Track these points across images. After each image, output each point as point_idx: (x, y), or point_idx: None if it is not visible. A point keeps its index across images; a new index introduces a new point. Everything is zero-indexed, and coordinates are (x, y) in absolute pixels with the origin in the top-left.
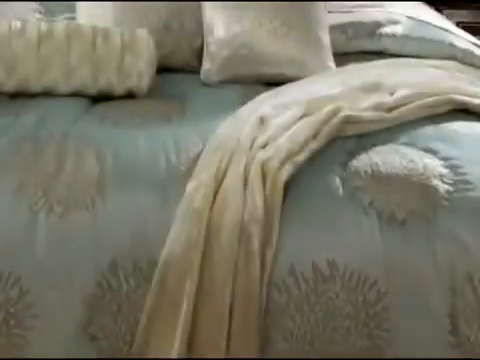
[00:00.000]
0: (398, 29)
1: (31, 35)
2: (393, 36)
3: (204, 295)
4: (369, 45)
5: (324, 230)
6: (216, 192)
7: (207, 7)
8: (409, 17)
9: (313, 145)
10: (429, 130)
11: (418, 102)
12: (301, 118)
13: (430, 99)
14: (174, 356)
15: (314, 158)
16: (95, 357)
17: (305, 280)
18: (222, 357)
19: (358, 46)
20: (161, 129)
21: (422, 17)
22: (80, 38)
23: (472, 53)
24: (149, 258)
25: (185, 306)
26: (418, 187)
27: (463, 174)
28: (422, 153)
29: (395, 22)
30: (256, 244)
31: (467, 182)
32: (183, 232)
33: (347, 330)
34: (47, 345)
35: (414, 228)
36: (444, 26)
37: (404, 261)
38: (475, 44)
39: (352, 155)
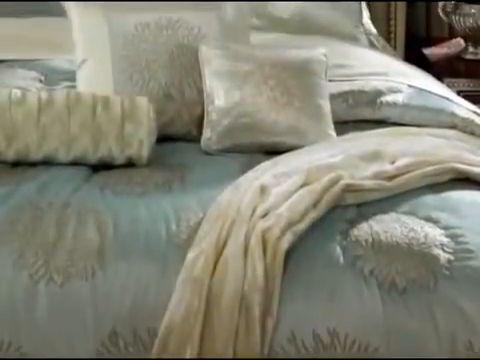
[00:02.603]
0: (399, 98)
1: (31, 104)
2: (394, 105)
3: None
4: (370, 114)
5: (325, 299)
6: (216, 261)
7: (207, 76)
8: (410, 86)
9: (313, 214)
10: (430, 199)
11: (419, 171)
12: (301, 187)
13: (431, 168)
14: None
15: (314, 227)
16: None
17: (306, 348)
18: None
19: (359, 114)
20: (161, 198)
21: (423, 86)
22: (80, 107)
23: (473, 122)
24: (149, 327)
25: None
26: (419, 256)
27: (464, 243)
28: (423, 222)
29: (396, 91)
30: (256, 313)
31: (468, 251)
32: (183, 300)
33: None
34: None
35: (415, 297)
36: (445, 95)
37: (405, 329)
38: (476, 113)
39: (353, 224)
